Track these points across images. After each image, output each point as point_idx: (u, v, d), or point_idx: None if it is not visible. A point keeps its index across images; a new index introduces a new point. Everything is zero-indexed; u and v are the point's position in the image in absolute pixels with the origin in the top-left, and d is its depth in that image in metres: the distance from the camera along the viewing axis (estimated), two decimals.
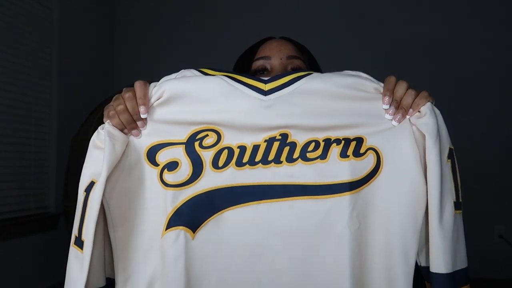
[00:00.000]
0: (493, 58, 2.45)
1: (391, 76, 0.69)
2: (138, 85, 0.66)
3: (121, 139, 0.66)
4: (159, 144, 0.67)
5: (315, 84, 0.67)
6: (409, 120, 0.68)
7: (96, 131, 0.67)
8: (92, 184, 0.65)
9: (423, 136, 0.67)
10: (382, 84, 0.68)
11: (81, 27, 2.54)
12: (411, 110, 0.67)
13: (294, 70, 0.68)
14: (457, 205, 0.67)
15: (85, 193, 0.65)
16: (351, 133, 0.67)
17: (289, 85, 0.67)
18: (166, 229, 0.66)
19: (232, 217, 0.67)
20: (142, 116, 0.66)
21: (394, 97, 0.67)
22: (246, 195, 0.67)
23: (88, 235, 0.64)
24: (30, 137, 2.15)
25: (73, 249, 0.66)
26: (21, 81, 2.09)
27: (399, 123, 0.68)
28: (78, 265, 0.65)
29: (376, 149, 0.68)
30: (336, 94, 0.67)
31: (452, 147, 0.69)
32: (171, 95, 0.66)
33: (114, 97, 0.67)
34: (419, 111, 0.67)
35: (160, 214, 0.67)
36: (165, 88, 0.66)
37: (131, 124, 0.66)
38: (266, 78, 0.68)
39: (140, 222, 0.68)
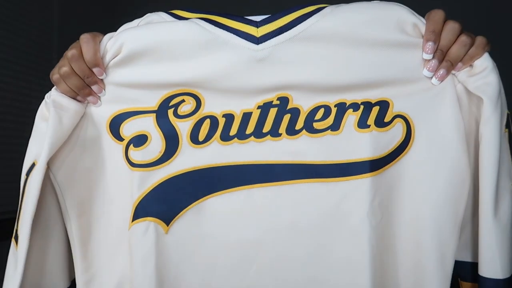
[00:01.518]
0: None
1: (438, 11, 0.49)
2: (85, 40, 0.50)
3: (71, 110, 0.52)
4: (124, 113, 0.52)
5: (328, 24, 0.49)
6: (455, 77, 0.50)
7: (44, 100, 0.53)
8: (33, 166, 0.51)
9: (472, 100, 0.50)
10: (423, 21, 0.49)
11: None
12: (460, 64, 0.49)
13: (299, 6, 0.50)
14: None
15: (25, 176, 0.52)
16: (373, 95, 0.50)
17: (291, 28, 0.50)
18: (133, 220, 0.52)
19: (216, 206, 0.52)
20: (99, 77, 0.51)
21: (439, 44, 0.48)
22: (235, 178, 0.52)
23: (23, 229, 0.50)
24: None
25: (12, 245, 0.53)
26: (21, 81, 2.01)
27: (441, 81, 0.50)
28: (12, 263, 0.52)
29: (406, 116, 0.51)
30: (358, 37, 0.49)
31: (509, 112, 0.51)
32: (133, 50, 0.50)
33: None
34: (470, 65, 0.49)
35: (128, 201, 0.53)
36: (124, 40, 0.50)
37: (83, 89, 0.52)
38: (258, 19, 0.51)
39: (104, 211, 0.54)
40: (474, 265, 0.53)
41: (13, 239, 0.52)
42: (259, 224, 0.52)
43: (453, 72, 0.50)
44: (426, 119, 0.51)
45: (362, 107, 0.50)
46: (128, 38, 0.50)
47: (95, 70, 0.50)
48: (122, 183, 0.53)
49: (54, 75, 0.51)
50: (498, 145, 0.47)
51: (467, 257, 0.54)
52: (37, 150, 0.51)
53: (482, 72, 0.48)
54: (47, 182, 0.53)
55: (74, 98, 0.52)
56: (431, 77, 0.49)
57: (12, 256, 0.52)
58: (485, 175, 0.48)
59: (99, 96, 0.53)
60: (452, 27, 0.48)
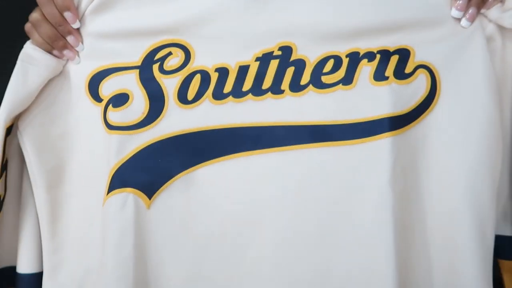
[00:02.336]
0: None
1: None
2: None
3: (41, 64, 0.44)
4: (104, 70, 0.45)
5: None
6: (484, 17, 0.43)
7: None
8: None
9: (507, 45, 0.43)
10: None
11: None
12: (491, 0, 0.42)
13: None
14: None
15: None
16: (391, 41, 0.43)
17: None
18: (108, 192, 0.44)
19: (208, 177, 0.44)
20: (74, 26, 0.45)
21: None
22: (230, 143, 0.44)
23: None
24: None
25: None
26: None
27: (472, 22, 0.42)
28: None
29: (430, 67, 0.43)
30: None
31: None
32: None
33: None
34: (501, 0, 0.42)
35: (105, 171, 0.45)
36: None
37: (56, 41, 0.44)
38: None
39: (78, 184, 0.47)
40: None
41: None
42: (260, 198, 0.44)
43: (482, 10, 0.43)
44: (453, 70, 0.43)
45: (378, 56, 0.43)
46: None
47: (66, 15, 0.43)
48: (99, 151, 0.45)
49: (27, 24, 0.45)
50: None
51: (506, 231, 0.46)
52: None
53: None
54: (14, 146, 0.46)
55: (50, 53, 0.45)
56: (461, 18, 0.42)
57: None
58: None
59: (76, 51, 0.46)
60: None
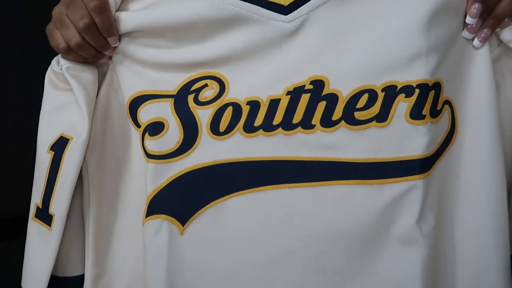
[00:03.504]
0: None
1: None
2: (97, 10, 0.43)
3: (89, 77, 0.47)
4: (142, 96, 0.47)
5: None
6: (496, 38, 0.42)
7: (50, 67, 0.48)
8: (63, 140, 0.47)
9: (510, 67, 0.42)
10: None
11: None
12: (507, 20, 0.41)
13: None
14: None
15: (52, 152, 0.48)
16: (431, 73, 0.40)
17: None
18: (146, 216, 0.47)
19: (238, 207, 0.45)
20: (113, 45, 0.47)
21: (488, 2, 0.39)
22: (260, 176, 0.45)
23: (60, 208, 0.47)
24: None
25: (34, 224, 0.49)
26: None
27: (484, 42, 0.41)
28: (42, 245, 0.48)
29: (451, 102, 0.42)
30: None
31: None
32: (144, 28, 0.45)
33: (55, 17, 0.46)
34: None
35: (145, 196, 0.48)
36: (133, 20, 0.45)
37: (96, 56, 0.47)
38: None
39: (124, 204, 0.50)
40: None
41: (35, 219, 0.49)
42: (289, 230, 0.44)
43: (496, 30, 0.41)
44: (465, 102, 0.42)
45: (417, 91, 0.40)
46: (139, 18, 0.45)
47: (110, 40, 0.46)
48: (141, 175, 0.49)
49: (61, 45, 0.45)
50: None
51: None
52: (63, 123, 0.47)
53: None
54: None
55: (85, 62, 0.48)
56: (473, 39, 0.41)
57: (39, 237, 0.49)
58: None
59: (109, 57, 0.48)
60: None
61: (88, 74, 0.47)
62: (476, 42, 0.42)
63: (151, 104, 0.47)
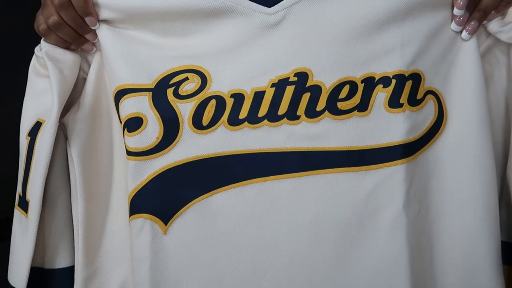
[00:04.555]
0: None
1: None
2: None
3: (68, 61, 0.45)
4: (121, 90, 0.44)
5: None
6: (484, 30, 0.44)
7: (34, 54, 0.46)
8: (38, 125, 0.45)
9: (499, 59, 0.45)
10: None
11: None
12: (493, 12, 0.43)
13: None
14: None
15: (29, 137, 0.45)
16: (407, 65, 0.43)
17: None
18: (130, 215, 0.44)
19: (224, 203, 0.44)
20: (93, 28, 0.44)
21: None
22: (246, 169, 0.44)
23: (34, 194, 0.44)
24: None
25: (17, 213, 0.46)
26: None
27: (472, 34, 0.43)
28: (21, 233, 0.45)
29: (436, 92, 0.44)
30: None
31: None
32: (127, 13, 0.43)
33: (42, 1, 0.45)
34: (503, 13, 0.44)
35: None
36: (113, 6, 0.43)
37: (77, 40, 0.45)
38: None
39: (115, 199, 0.48)
40: (508, 245, 0.47)
41: (17, 208, 0.46)
42: (276, 223, 0.44)
43: (483, 22, 0.44)
44: (454, 93, 0.45)
45: (394, 81, 0.43)
46: (118, 3, 0.43)
47: (87, 19, 0.43)
48: (124, 172, 0.46)
49: (41, 26, 0.44)
50: None
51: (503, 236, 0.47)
52: (38, 108, 0.45)
53: None
54: (59, 146, 0.46)
55: (67, 48, 0.46)
56: (461, 32, 0.43)
57: (19, 224, 0.46)
58: None
59: (93, 43, 0.46)
60: None
61: (68, 59, 0.45)
62: (464, 34, 0.43)
63: (129, 98, 0.44)
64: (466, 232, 0.44)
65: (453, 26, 0.43)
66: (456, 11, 0.42)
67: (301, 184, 0.44)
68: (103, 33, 0.45)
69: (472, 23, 0.43)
